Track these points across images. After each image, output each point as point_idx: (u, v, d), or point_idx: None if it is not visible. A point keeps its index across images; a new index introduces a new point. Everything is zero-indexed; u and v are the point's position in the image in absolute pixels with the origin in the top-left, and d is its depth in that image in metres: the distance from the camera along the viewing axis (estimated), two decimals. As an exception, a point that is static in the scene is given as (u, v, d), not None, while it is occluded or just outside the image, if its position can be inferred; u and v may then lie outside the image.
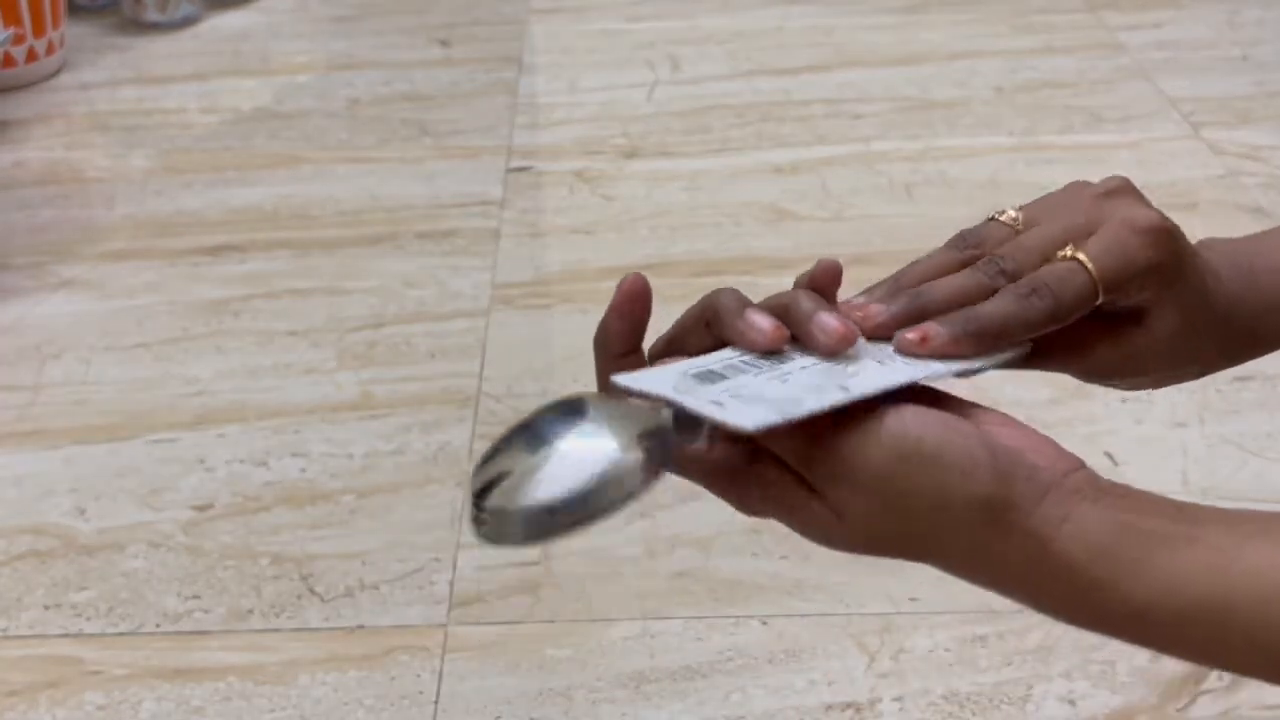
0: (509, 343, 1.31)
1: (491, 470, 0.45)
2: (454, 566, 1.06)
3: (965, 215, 1.73)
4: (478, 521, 0.45)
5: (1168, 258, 0.52)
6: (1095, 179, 0.56)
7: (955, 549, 0.48)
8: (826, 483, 0.47)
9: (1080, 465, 0.49)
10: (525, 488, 0.44)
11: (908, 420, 0.47)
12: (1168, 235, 0.53)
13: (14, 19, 1.81)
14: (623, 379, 0.48)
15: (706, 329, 0.51)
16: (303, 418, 1.22)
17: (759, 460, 0.49)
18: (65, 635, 1.01)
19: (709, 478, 0.50)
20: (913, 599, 1.01)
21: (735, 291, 0.51)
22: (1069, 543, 0.47)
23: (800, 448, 0.47)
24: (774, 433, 0.46)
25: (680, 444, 0.47)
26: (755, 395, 0.47)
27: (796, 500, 0.48)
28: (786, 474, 0.48)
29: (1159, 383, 0.58)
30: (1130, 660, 0.96)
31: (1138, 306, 0.54)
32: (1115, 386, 0.59)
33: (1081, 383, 0.61)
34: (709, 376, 0.48)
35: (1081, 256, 0.51)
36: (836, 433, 0.47)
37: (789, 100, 1.80)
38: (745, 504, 0.50)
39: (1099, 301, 0.52)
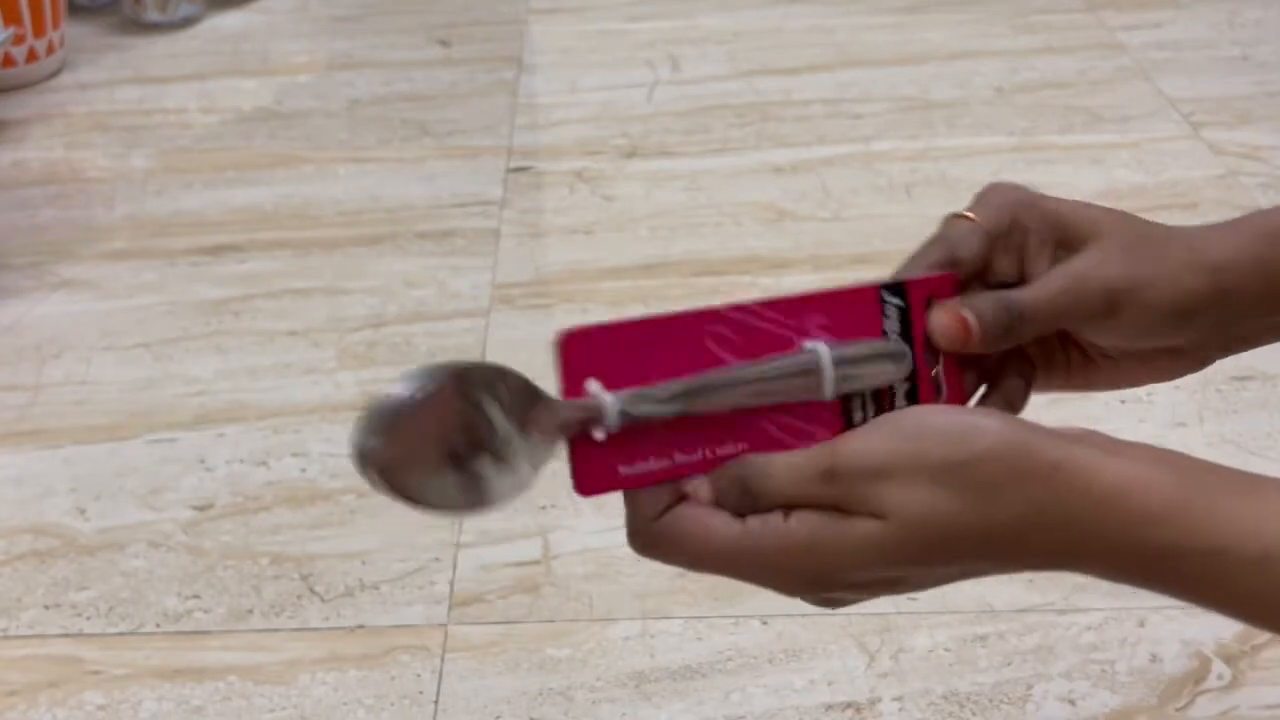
0: (509, 343, 1.31)
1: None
2: (454, 566, 1.06)
3: (965, 215, 1.69)
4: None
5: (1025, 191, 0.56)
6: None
7: (995, 515, 0.46)
8: (854, 487, 0.47)
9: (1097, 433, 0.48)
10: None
11: (910, 410, 0.48)
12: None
13: (14, 18, 1.81)
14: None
15: None
16: (303, 418, 1.22)
17: (790, 515, 0.48)
18: (65, 635, 1.01)
19: (753, 570, 0.49)
20: (912, 599, 1.02)
21: None
22: (1120, 476, 0.45)
23: (819, 469, 0.47)
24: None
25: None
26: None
27: (839, 528, 0.47)
28: (818, 512, 0.48)
29: (1173, 364, 0.58)
30: (1130, 660, 0.96)
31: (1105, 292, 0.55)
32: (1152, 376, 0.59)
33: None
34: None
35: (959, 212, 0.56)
36: (848, 443, 0.47)
37: (789, 100, 1.80)
38: (798, 576, 0.49)
39: (988, 233, 0.55)
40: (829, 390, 0.51)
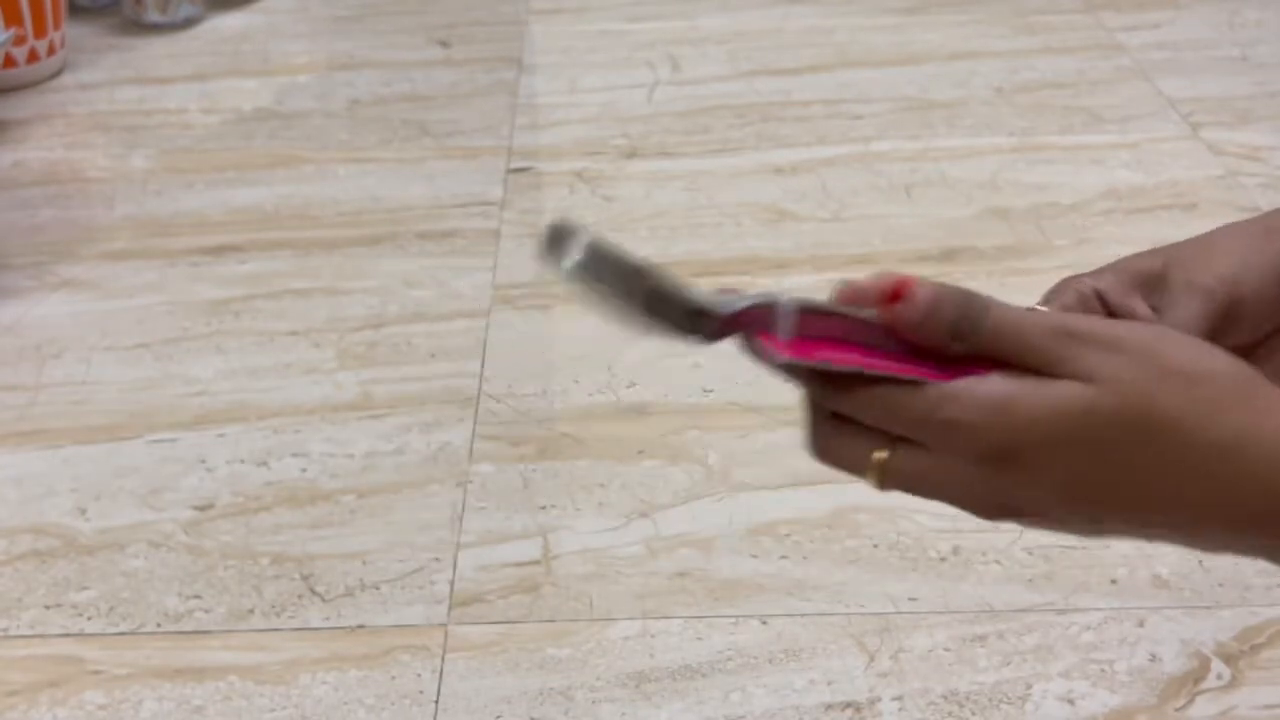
0: (509, 343, 1.31)
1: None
2: (454, 566, 1.06)
3: (965, 215, 1.73)
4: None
5: None
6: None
7: (1206, 432, 0.45)
8: (1082, 346, 0.46)
9: None
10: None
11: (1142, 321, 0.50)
12: None
13: (15, 19, 1.81)
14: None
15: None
16: (303, 418, 1.23)
17: (982, 382, 0.46)
18: (66, 635, 1.01)
19: (939, 428, 0.47)
20: (912, 599, 1.02)
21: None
22: None
23: (1053, 323, 0.47)
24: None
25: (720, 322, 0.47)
26: None
27: (1039, 387, 0.46)
28: (1014, 374, 0.46)
29: None
30: (1129, 660, 0.96)
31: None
32: None
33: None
34: None
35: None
36: (1083, 314, 0.48)
37: (789, 100, 1.80)
38: (984, 444, 0.46)
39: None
40: None
